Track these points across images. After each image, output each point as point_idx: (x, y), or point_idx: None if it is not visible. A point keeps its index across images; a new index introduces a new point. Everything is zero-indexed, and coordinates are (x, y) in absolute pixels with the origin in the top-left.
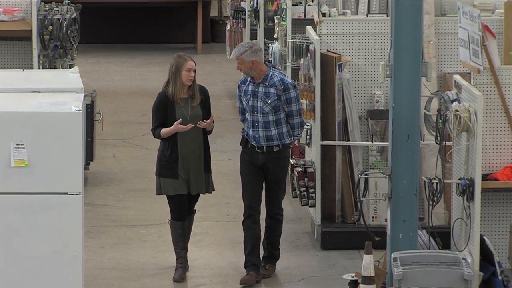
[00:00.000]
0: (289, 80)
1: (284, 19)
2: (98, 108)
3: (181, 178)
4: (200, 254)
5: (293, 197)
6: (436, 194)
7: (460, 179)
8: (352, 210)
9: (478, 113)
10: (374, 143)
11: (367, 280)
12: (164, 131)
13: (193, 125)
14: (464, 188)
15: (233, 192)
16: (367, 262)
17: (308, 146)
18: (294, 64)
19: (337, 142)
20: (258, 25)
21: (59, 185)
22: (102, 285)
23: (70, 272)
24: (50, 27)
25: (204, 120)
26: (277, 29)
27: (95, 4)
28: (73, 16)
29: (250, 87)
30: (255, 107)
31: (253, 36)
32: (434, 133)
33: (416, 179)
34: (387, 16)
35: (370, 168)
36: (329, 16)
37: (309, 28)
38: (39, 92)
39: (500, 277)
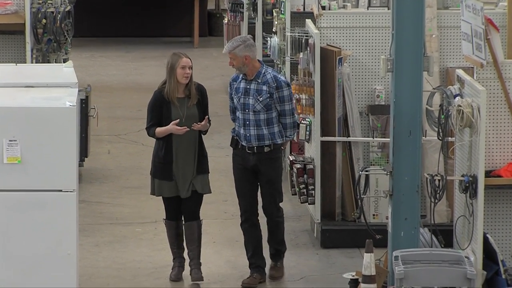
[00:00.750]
0: (282, 77)
1: (283, 12)
2: (92, 103)
3: (175, 180)
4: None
5: (292, 194)
6: (438, 191)
7: (463, 175)
8: (353, 208)
9: (481, 108)
10: (375, 139)
11: (368, 279)
12: (159, 130)
13: (188, 129)
14: (467, 185)
15: (231, 189)
16: (368, 261)
17: (308, 142)
18: (293, 58)
19: (337, 138)
20: (256, 18)
21: (53, 182)
22: (97, 284)
23: (64, 271)
24: (44, 21)
25: (198, 123)
26: (276, 22)
27: None
28: (67, 9)
29: (242, 84)
30: (246, 104)
31: (251, 29)
32: (436, 129)
33: (418, 176)
34: (388, 9)
35: (371, 165)
36: (329, 9)
37: (308, 21)
38: (33, 87)
39: (503, 276)
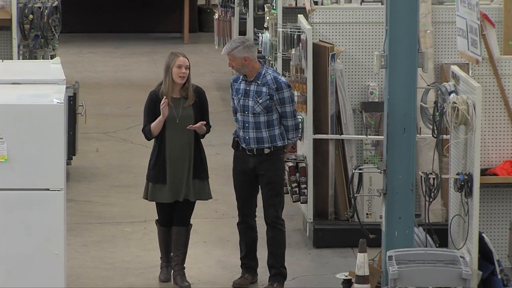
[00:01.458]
0: (283, 79)
1: (274, 7)
2: (80, 100)
3: (169, 184)
4: (187, 253)
5: (284, 193)
6: (433, 190)
7: (458, 174)
8: (346, 207)
9: (476, 106)
10: (368, 136)
11: (361, 279)
12: (153, 124)
13: (167, 102)
14: (462, 183)
15: (222, 188)
16: (361, 261)
17: (300, 140)
18: (285, 55)
19: (330, 136)
20: (247, 13)
21: (40, 180)
22: (85, 284)
23: (51, 272)
24: (31, 16)
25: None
26: (268, 18)
27: None
28: (54, 5)
29: (242, 86)
30: (246, 106)
31: (243, 25)
32: (431, 126)
33: (412, 174)
34: (382, 4)
35: (364, 163)
36: (322, 4)
37: (300, 16)
38: (19, 83)
39: (499, 276)
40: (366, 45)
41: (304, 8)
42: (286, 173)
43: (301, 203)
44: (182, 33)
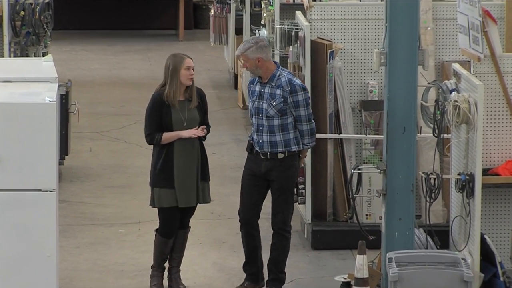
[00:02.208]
0: (298, 81)
1: (271, 3)
2: (73, 99)
3: (177, 189)
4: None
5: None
6: (434, 190)
7: (459, 174)
8: (345, 208)
9: (478, 104)
10: (368, 136)
11: (361, 282)
12: (167, 135)
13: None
14: (464, 183)
15: (218, 189)
16: (361, 263)
17: None
18: (282, 52)
19: (328, 135)
20: (244, 10)
21: (32, 181)
22: (78, 287)
23: (43, 274)
24: (22, 13)
25: (198, 128)
26: (265, 14)
27: None
28: (46, 1)
29: (257, 87)
30: (260, 109)
31: (239, 22)
32: (432, 125)
33: (412, 174)
34: (381, 0)
35: (364, 163)
36: (320, 0)
37: (298, 13)
38: (11, 82)
39: (502, 279)
40: (366, 42)
41: (302, 5)
42: None
43: (299, 204)
44: (177, 30)
